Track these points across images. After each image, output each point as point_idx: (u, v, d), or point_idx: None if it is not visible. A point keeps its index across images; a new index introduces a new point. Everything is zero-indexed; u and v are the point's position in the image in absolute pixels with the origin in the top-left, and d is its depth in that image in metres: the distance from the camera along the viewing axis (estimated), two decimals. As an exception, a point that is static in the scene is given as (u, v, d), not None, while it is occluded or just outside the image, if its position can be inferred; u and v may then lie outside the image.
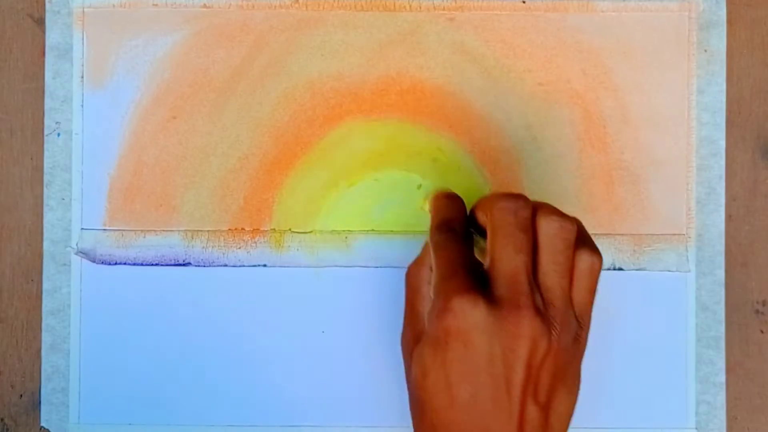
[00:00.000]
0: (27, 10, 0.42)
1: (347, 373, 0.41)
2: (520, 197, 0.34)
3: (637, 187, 0.41)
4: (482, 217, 0.35)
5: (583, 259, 0.34)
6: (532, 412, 0.32)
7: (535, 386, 0.32)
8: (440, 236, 0.35)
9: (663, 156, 0.41)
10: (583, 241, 0.34)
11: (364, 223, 0.41)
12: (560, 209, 0.34)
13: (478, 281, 0.33)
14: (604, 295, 0.40)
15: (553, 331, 0.32)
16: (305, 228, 0.41)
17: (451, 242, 0.34)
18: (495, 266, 0.33)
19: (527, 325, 0.32)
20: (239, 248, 0.41)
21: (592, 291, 0.34)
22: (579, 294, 0.34)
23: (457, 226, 0.35)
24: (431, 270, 0.35)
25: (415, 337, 0.35)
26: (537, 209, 0.34)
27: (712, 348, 0.40)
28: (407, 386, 0.36)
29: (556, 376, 0.33)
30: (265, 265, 0.41)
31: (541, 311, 0.32)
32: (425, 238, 0.37)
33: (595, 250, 0.34)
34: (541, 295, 0.33)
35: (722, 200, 0.41)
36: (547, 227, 0.33)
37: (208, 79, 0.41)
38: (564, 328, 0.33)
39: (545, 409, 0.32)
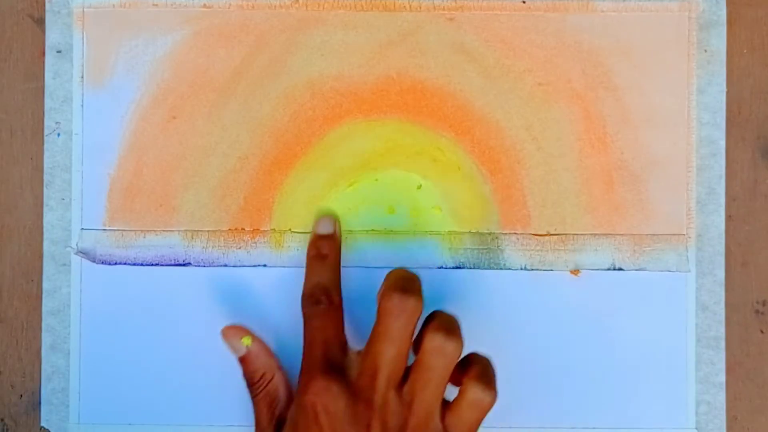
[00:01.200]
0: (27, 10, 0.42)
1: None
2: (411, 296, 0.35)
3: (637, 187, 0.41)
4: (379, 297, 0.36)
5: (473, 391, 0.35)
6: None
7: None
8: (309, 308, 0.37)
9: (663, 156, 0.41)
10: (481, 374, 0.35)
11: (363, 223, 0.41)
12: (455, 324, 0.35)
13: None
14: (604, 295, 0.40)
15: (362, 415, 0.34)
16: (305, 228, 0.41)
17: (323, 316, 0.37)
18: (367, 348, 0.35)
19: (375, 421, 0.34)
20: (239, 248, 0.41)
21: (474, 424, 0.35)
22: (456, 418, 0.35)
23: (322, 298, 0.37)
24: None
25: None
26: (430, 319, 0.36)
27: (712, 348, 0.40)
28: None
29: None
30: (265, 265, 0.41)
31: (392, 412, 0.34)
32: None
33: (490, 389, 0.35)
34: (401, 396, 0.34)
35: (722, 200, 0.41)
36: (430, 342, 0.35)
37: (208, 79, 0.41)
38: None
39: None
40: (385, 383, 0.34)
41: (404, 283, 0.36)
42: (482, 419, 0.35)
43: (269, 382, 0.38)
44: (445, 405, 0.35)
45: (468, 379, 0.35)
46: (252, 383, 0.38)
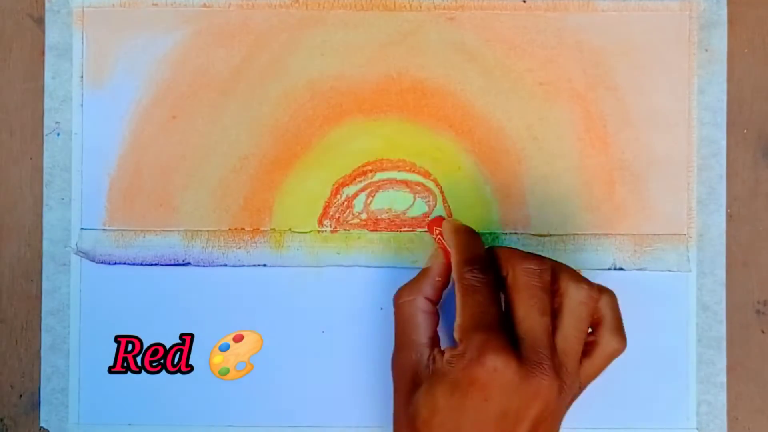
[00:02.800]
0: (27, 9, 0.41)
1: (347, 373, 0.41)
2: (544, 260, 0.35)
3: (638, 187, 0.41)
4: (503, 270, 0.36)
5: (609, 343, 0.36)
6: None
7: None
8: (472, 276, 0.35)
9: (664, 156, 0.41)
10: (613, 323, 0.36)
11: (364, 223, 0.41)
12: (585, 276, 0.36)
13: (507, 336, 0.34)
14: (604, 295, 0.40)
15: (561, 393, 0.34)
16: (305, 228, 0.41)
17: (485, 286, 0.35)
18: (521, 325, 0.34)
19: (546, 387, 0.33)
20: (239, 248, 0.41)
21: (604, 369, 0.36)
22: (591, 366, 0.36)
23: (487, 268, 0.36)
24: (427, 300, 0.36)
25: (411, 364, 0.36)
26: (559, 272, 0.36)
27: (713, 348, 0.40)
28: (395, 407, 0.36)
29: (550, 429, 0.35)
30: (265, 265, 0.41)
31: (558, 374, 0.34)
32: (423, 264, 0.38)
33: (623, 338, 0.36)
34: (558, 357, 0.34)
35: (723, 200, 0.41)
36: (575, 294, 0.35)
37: (208, 78, 0.41)
38: (570, 390, 0.35)
39: None
40: (550, 347, 0.34)
41: (527, 253, 0.36)
42: (589, 320, 0.35)
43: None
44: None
45: (603, 330, 0.36)
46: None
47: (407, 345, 0.36)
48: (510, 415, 0.33)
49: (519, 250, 0.36)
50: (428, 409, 0.34)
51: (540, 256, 0.36)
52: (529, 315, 0.34)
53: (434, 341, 0.36)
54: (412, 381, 0.35)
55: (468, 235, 0.37)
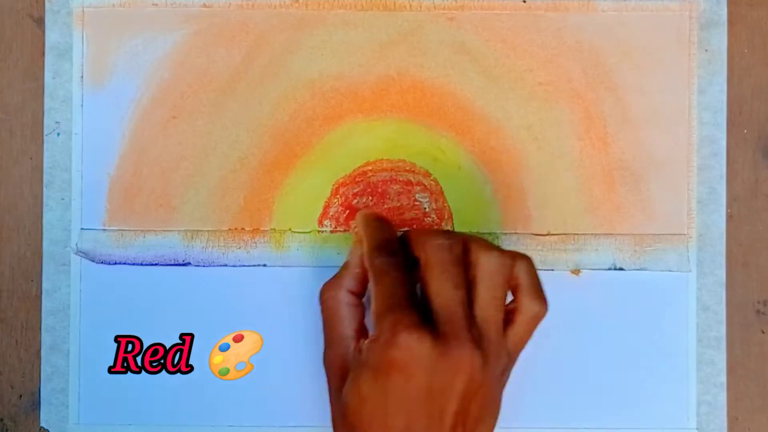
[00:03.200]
0: (27, 9, 0.41)
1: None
2: (453, 234, 0.35)
3: (638, 187, 0.41)
4: (415, 251, 0.35)
5: (530, 306, 0.35)
6: None
7: (465, 416, 0.33)
8: (381, 260, 0.35)
9: (664, 156, 0.41)
10: (531, 287, 0.35)
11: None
12: (494, 243, 0.36)
13: (420, 314, 0.33)
14: (604, 295, 0.40)
15: (486, 364, 0.33)
16: (305, 228, 0.41)
17: (394, 269, 0.35)
18: (435, 301, 0.34)
19: (466, 359, 0.33)
20: (239, 248, 0.41)
21: (530, 334, 0.35)
22: (516, 334, 0.35)
23: (397, 251, 0.36)
24: (350, 293, 0.36)
25: (340, 358, 0.36)
26: (470, 243, 0.35)
27: (713, 348, 0.40)
28: (331, 405, 0.36)
29: (483, 406, 0.34)
30: (265, 265, 0.41)
31: (478, 345, 0.33)
32: (345, 258, 0.38)
33: (543, 301, 0.35)
34: (477, 327, 0.34)
35: (723, 200, 0.41)
36: (487, 262, 0.34)
37: (208, 78, 0.41)
38: (496, 360, 0.34)
39: None
40: (466, 317, 0.33)
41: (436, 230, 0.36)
42: (536, 327, 0.35)
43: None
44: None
45: (521, 295, 0.35)
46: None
47: (334, 340, 0.36)
48: (435, 393, 0.33)
49: (429, 230, 0.36)
50: (356, 400, 0.34)
51: (448, 231, 0.35)
52: (442, 289, 0.34)
53: (360, 333, 0.36)
54: (342, 376, 0.35)
55: (377, 222, 0.37)
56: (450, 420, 0.33)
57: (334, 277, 0.37)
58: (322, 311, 0.37)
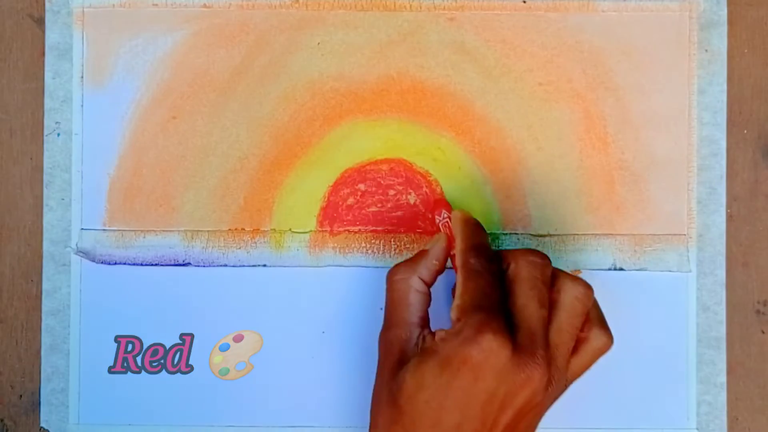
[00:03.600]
0: (27, 10, 0.41)
1: (347, 373, 0.41)
2: (546, 255, 0.36)
3: (638, 187, 0.41)
4: (506, 262, 0.36)
5: (599, 338, 0.36)
6: None
7: (513, 428, 0.34)
8: (477, 261, 0.36)
9: (664, 156, 0.41)
10: (600, 319, 0.36)
11: (364, 223, 0.41)
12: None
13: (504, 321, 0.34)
14: (604, 295, 0.40)
15: (549, 387, 0.34)
16: (305, 228, 0.41)
17: (488, 273, 0.35)
18: (519, 314, 0.34)
19: (537, 377, 0.33)
20: (239, 248, 0.41)
21: (590, 365, 0.36)
22: (579, 363, 0.36)
23: (492, 257, 0.36)
24: (422, 280, 0.37)
25: (399, 341, 0.36)
26: (557, 269, 0.36)
27: (713, 348, 0.40)
28: (377, 382, 0.36)
29: (531, 425, 0.35)
30: (265, 265, 0.41)
31: (549, 367, 0.34)
32: (426, 244, 0.38)
33: (610, 334, 0.36)
34: (550, 350, 0.34)
35: (723, 200, 0.41)
36: (572, 290, 0.35)
37: (208, 79, 0.41)
38: (557, 385, 0.35)
39: None
40: (544, 338, 0.34)
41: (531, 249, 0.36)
42: (583, 317, 0.36)
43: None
44: None
45: (591, 326, 0.36)
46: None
47: (397, 323, 0.36)
48: (496, 400, 0.33)
49: (528, 248, 0.37)
50: (414, 385, 0.34)
51: (543, 254, 0.36)
52: (528, 305, 0.34)
53: (424, 321, 0.36)
54: (399, 359, 0.35)
55: (475, 225, 0.38)
56: (500, 430, 0.34)
57: (409, 261, 0.37)
58: (389, 291, 0.37)
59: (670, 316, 0.40)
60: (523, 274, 0.35)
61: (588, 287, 0.35)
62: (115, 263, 0.41)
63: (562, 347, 0.35)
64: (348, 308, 0.41)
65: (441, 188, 0.41)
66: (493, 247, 0.40)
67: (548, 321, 0.35)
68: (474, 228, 0.37)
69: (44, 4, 0.41)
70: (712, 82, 0.41)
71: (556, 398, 0.36)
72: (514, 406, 0.34)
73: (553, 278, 0.36)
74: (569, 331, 0.35)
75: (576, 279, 0.36)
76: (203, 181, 0.41)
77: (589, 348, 0.36)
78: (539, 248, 0.40)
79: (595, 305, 0.36)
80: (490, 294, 0.35)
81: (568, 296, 0.35)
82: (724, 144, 0.41)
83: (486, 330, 0.33)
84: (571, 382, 0.36)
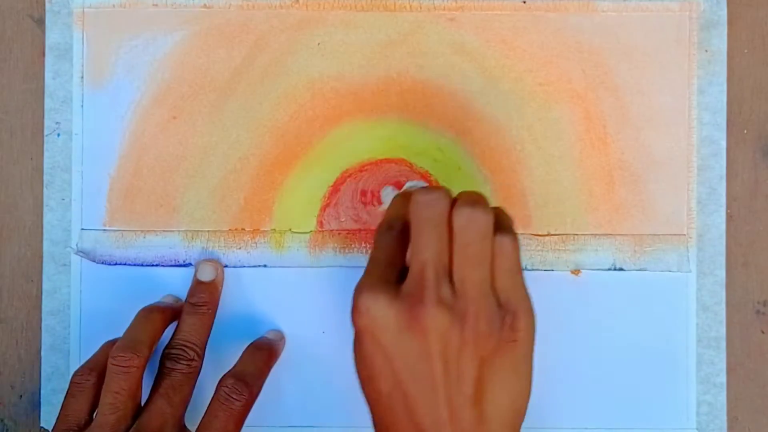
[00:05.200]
0: (27, 10, 0.41)
1: (347, 373, 0.40)
2: (436, 190, 0.34)
3: (638, 188, 0.41)
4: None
5: (497, 242, 0.33)
6: (461, 404, 0.32)
7: (458, 378, 0.32)
8: (378, 235, 0.35)
9: (664, 156, 0.41)
10: (499, 226, 0.33)
11: (364, 223, 0.41)
12: (479, 196, 0.34)
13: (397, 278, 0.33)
14: (604, 296, 0.40)
15: (465, 322, 0.32)
16: (305, 228, 0.41)
17: (386, 240, 0.34)
18: (411, 263, 0.33)
19: (431, 318, 0.31)
20: (239, 248, 0.41)
21: (515, 271, 0.33)
22: (501, 279, 0.33)
23: (398, 224, 0.35)
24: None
25: None
26: (455, 201, 0.33)
27: (713, 348, 0.40)
28: None
29: (483, 367, 0.32)
30: (265, 266, 0.41)
31: (447, 303, 0.32)
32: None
33: (508, 231, 0.33)
34: (452, 286, 0.32)
35: (723, 200, 0.41)
36: (458, 219, 0.33)
37: (208, 79, 0.41)
38: (481, 316, 0.32)
39: (477, 401, 0.32)
40: (434, 277, 0.32)
41: (474, 198, 0.34)
42: (519, 262, 0.33)
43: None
44: None
45: (452, 213, 0.33)
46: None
47: None
48: (410, 356, 0.32)
49: (424, 187, 0.35)
50: (356, 369, 0.34)
51: (436, 187, 0.34)
52: (416, 250, 0.33)
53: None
54: None
55: (396, 198, 0.36)
56: (440, 383, 0.32)
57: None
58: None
59: (670, 316, 0.40)
60: (413, 218, 0.33)
61: (475, 210, 0.33)
62: (116, 263, 0.41)
63: (466, 279, 0.32)
64: (348, 308, 0.40)
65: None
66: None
67: (449, 257, 0.33)
68: (394, 202, 0.36)
69: (44, 5, 0.41)
70: (712, 82, 0.41)
71: (514, 328, 0.32)
72: (434, 355, 0.31)
73: (451, 210, 0.33)
74: (467, 260, 0.32)
75: (463, 205, 0.33)
76: (203, 181, 0.41)
77: (497, 259, 0.33)
78: (539, 248, 0.40)
79: (497, 216, 0.33)
80: (378, 260, 0.34)
81: (457, 227, 0.32)
82: (724, 144, 0.41)
83: (359, 292, 0.32)
84: (513, 301, 0.33)
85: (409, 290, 0.32)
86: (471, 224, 0.33)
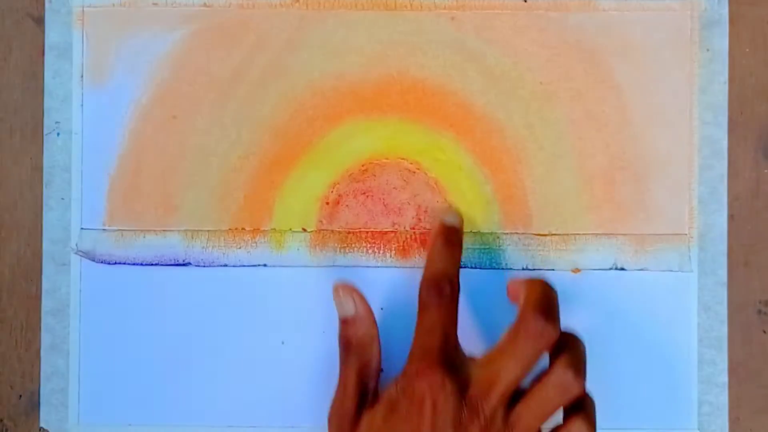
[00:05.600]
0: (26, 9, 0.41)
1: (348, 373, 0.40)
2: (550, 318, 0.34)
3: (639, 187, 0.41)
4: (515, 298, 0.36)
5: (560, 373, 0.34)
6: None
7: None
8: (425, 295, 0.36)
9: (665, 155, 0.41)
10: (586, 410, 0.35)
11: (364, 222, 0.41)
12: (582, 363, 0.35)
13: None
14: (605, 295, 0.40)
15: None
16: (306, 227, 0.41)
17: (437, 309, 0.36)
18: (490, 354, 0.35)
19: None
20: (239, 248, 0.41)
21: (550, 410, 0.35)
22: (535, 404, 0.35)
23: (447, 287, 0.36)
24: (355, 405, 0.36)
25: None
26: (563, 346, 0.35)
27: (715, 348, 0.40)
28: None
29: None
30: (265, 265, 0.41)
31: (495, 427, 0.34)
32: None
33: (579, 375, 0.35)
34: (508, 413, 0.34)
35: (724, 200, 0.41)
36: (558, 376, 0.34)
37: (208, 78, 0.41)
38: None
39: None
40: (498, 399, 0.34)
41: (549, 306, 0.35)
42: (559, 407, 0.35)
43: (367, 349, 0.37)
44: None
45: (557, 362, 0.35)
46: (348, 346, 0.37)
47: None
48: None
49: (546, 300, 0.36)
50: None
51: (554, 317, 0.35)
52: (502, 359, 0.35)
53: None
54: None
55: (441, 242, 0.38)
56: None
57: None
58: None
59: (671, 315, 0.40)
60: (522, 327, 0.34)
61: (576, 381, 0.34)
62: (115, 263, 0.41)
63: (525, 423, 0.34)
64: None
65: (441, 187, 0.41)
66: (494, 247, 0.40)
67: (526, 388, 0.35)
68: (440, 246, 0.37)
69: (44, 4, 0.41)
70: (714, 82, 0.41)
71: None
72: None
73: (556, 349, 0.35)
74: (537, 416, 0.34)
75: (569, 365, 0.34)
76: (203, 180, 0.41)
77: (549, 382, 0.35)
78: (540, 248, 0.40)
79: (577, 348, 0.35)
80: (442, 331, 0.35)
81: (550, 382, 0.34)
82: (725, 143, 0.41)
83: (433, 364, 0.34)
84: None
85: (473, 394, 0.34)
86: (564, 391, 0.34)
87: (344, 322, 0.38)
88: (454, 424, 0.33)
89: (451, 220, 0.39)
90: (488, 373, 0.34)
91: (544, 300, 0.35)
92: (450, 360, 0.35)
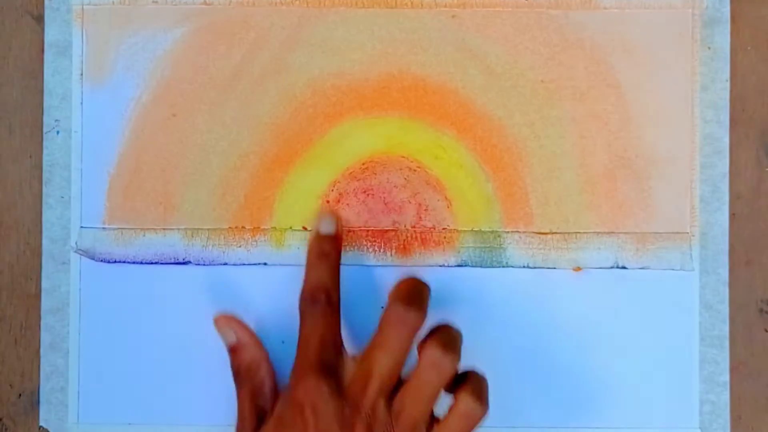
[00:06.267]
0: (26, 7, 0.41)
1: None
2: (415, 307, 0.35)
3: (641, 185, 0.41)
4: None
5: (466, 402, 0.35)
6: None
7: None
8: (303, 307, 0.37)
9: (666, 154, 0.41)
10: (475, 386, 0.35)
11: (365, 221, 0.41)
12: (455, 341, 0.36)
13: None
14: (607, 294, 0.40)
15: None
16: (306, 226, 0.41)
17: (313, 318, 0.37)
18: (365, 353, 0.36)
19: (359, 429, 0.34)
20: (239, 246, 0.41)
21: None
22: (446, 429, 0.35)
23: (322, 297, 0.37)
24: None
25: None
26: (432, 332, 0.36)
27: (716, 347, 0.40)
28: None
29: None
30: (265, 264, 0.41)
31: (379, 423, 0.34)
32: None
33: (483, 402, 0.35)
34: (390, 407, 0.35)
35: (726, 198, 0.40)
36: (429, 354, 0.35)
37: (208, 76, 0.41)
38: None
39: None
40: (376, 391, 0.35)
41: (410, 294, 0.36)
42: (439, 388, 0.35)
43: (256, 373, 0.38)
44: (433, 419, 0.36)
45: (461, 391, 0.35)
46: (238, 373, 0.38)
47: None
48: None
49: (407, 294, 0.37)
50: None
51: (420, 304, 0.36)
52: (374, 353, 0.36)
53: None
54: None
55: (316, 254, 0.39)
56: None
57: None
58: None
59: (672, 314, 0.40)
60: (386, 322, 0.35)
61: (446, 354, 0.35)
62: (115, 261, 0.41)
63: (410, 415, 0.35)
64: (348, 307, 0.40)
65: (442, 185, 0.41)
66: (495, 246, 0.40)
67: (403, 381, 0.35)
68: (312, 265, 0.38)
69: (43, 2, 0.41)
70: (715, 80, 0.41)
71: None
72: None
73: (426, 337, 0.36)
74: (417, 400, 0.35)
75: (438, 343, 0.35)
76: (203, 178, 0.41)
77: (455, 412, 0.35)
78: (541, 246, 0.40)
79: (478, 378, 0.36)
80: (313, 343, 0.36)
81: (421, 363, 0.35)
82: (727, 142, 0.41)
83: (308, 372, 0.35)
84: None
85: (352, 391, 0.35)
86: (435, 368, 0.35)
87: (231, 351, 0.39)
88: (339, 424, 0.34)
89: (325, 228, 0.39)
90: (362, 368, 0.35)
91: (405, 290, 0.36)
92: (326, 364, 0.35)
